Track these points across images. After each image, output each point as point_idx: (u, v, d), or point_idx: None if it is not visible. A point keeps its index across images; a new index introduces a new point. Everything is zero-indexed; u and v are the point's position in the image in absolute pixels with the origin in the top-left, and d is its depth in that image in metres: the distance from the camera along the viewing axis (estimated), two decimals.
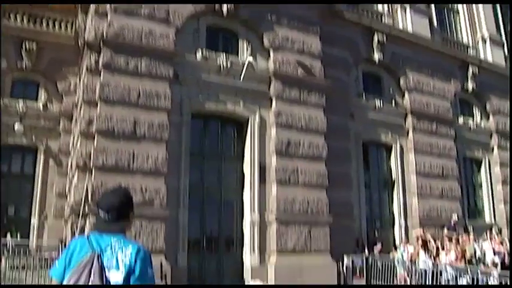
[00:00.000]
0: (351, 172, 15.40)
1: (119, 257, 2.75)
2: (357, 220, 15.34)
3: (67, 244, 3.06)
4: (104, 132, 11.61)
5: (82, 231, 10.87)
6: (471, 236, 14.85)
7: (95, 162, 11.36)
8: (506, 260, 12.49)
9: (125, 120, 11.79)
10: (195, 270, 12.37)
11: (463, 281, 12.03)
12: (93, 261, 2.70)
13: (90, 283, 2.64)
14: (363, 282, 13.93)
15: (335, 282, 13.36)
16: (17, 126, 16.14)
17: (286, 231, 12.97)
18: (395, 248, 15.31)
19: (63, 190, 16.12)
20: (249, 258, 12.83)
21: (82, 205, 11.09)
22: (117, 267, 2.72)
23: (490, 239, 14.11)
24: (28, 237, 16.12)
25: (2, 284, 10.11)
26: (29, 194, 16.78)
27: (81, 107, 12.76)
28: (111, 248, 2.78)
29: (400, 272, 13.87)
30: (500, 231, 17.73)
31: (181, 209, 12.19)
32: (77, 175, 11.92)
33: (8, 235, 15.01)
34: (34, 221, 16.62)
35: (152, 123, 12.00)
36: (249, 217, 13.01)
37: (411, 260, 13.54)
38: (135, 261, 2.74)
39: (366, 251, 14.51)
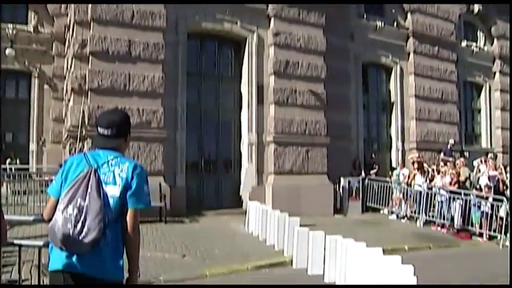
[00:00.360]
0: (350, 94, 15.26)
1: (116, 172, 2.76)
2: (354, 142, 15.39)
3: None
4: (98, 53, 11.33)
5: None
6: (466, 161, 15.00)
7: (90, 85, 11.17)
8: (500, 186, 12.61)
9: (119, 40, 11.48)
10: (193, 191, 12.52)
11: (456, 204, 12.28)
12: (90, 176, 2.70)
13: (87, 196, 2.64)
14: (359, 203, 14.20)
15: (331, 203, 13.59)
16: (8, 50, 15.77)
17: (284, 152, 13.03)
18: (392, 171, 15.47)
19: (60, 115, 16.04)
20: None
21: (79, 128, 11.01)
22: (114, 182, 2.74)
23: (485, 164, 14.13)
24: (28, 162, 16.23)
25: (6, 208, 10.20)
26: (26, 120, 16.71)
27: (73, 29, 12.35)
28: (108, 164, 2.79)
29: (396, 194, 14.13)
30: (495, 157, 17.85)
31: (178, 130, 12.16)
32: (72, 99, 11.73)
33: (8, 161, 15.08)
34: (33, 146, 16.69)
35: (147, 43, 11.69)
36: (247, 138, 13.02)
37: (407, 183, 13.73)
38: (132, 176, 2.76)
39: (363, 173, 14.67)
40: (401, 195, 13.91)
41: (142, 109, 11.45)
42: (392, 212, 14.10)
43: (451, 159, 15.11)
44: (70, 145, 11.52)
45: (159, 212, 10.72)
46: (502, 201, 11.55)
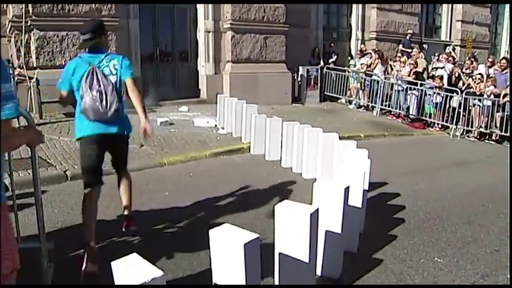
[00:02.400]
0: None
1: (111, 66, 3.86)
2: (313, 31, 15.01)
3: None
4: None
5: (27, 45, 10.32)
6: (424, 52, 15.05)
7: None
8: (453, 79, 12.82)
9: None
10: (149, 81, 12.07)
11: (412, 95, 12.50)
12: (95, 71, 3.76)
13: (101, 83, 3.72)
14: (317, 92, 14.27)
15: (290, 92, 13.60)
16: None
17: (241, 40, 12.63)
18: (351, 59, 15.43)
19: (1, 5, 14.77)
20: (204, 68, 12.70)
21: (23, 18, 10.21)
22: (111, 73, 3.84)
23: (445, 57, 14.16)
24: None
25: None
26: None
27: None
28: (103, 61, 3.86)
29: (353, 83, 14.23)
30: (453, 50, 18.00)
31: (131, 18, 11.50)
32: None
33: None
34: None
35: None
36: (203, 26, 12.48)
37: (365, 72, 13.77)
38: (121, 65, 3.90)
39: (321, 62, 14.56)
40: (358, 85, 14.02)
41: None
42: (349, 102, 14.29)
43: (409, 50, 15.11)
44: (15, 37, 10.66)
45: None
46: (455, 92, 11.82)
